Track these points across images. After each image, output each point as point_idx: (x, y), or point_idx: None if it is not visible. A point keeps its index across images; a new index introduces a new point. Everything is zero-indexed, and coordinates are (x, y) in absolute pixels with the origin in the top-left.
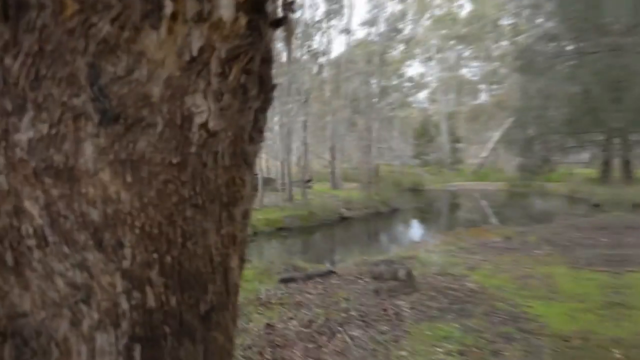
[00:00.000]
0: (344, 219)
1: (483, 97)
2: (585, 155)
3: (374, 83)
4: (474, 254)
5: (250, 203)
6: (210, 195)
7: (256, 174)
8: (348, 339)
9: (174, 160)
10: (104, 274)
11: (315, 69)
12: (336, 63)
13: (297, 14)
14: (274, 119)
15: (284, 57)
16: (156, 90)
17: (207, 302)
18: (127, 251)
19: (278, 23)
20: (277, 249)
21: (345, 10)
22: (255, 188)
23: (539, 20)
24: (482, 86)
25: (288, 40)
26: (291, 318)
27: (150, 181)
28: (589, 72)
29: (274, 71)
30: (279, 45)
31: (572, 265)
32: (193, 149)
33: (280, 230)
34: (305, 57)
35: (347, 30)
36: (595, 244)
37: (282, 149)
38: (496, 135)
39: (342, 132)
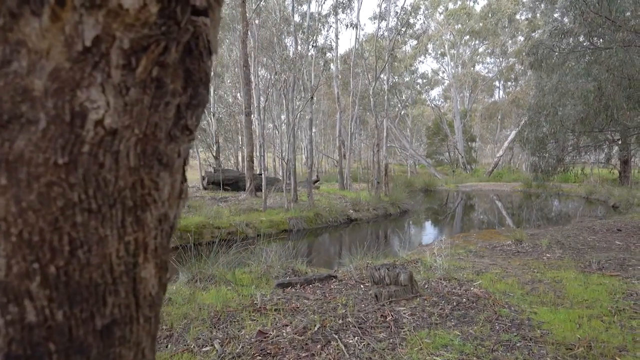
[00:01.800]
0: (351, 221)
1: (499, 95)
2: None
3: (385, 79)
4: (483, 257)
5: (172, 207)
6: (108, 199)
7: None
8: (342, 347)
9: (60, 161)
10: None
11: (321, 65)
12: (344, 58)
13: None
14: (281, 117)
15: (291, 52)
16: (39, 84)
17: (105, 315)
18: (1, 261)
19: (202, 11)
20: (278, 252)
21: (354, 3)
22: (181, 190)
23: (556, 15)
24: (498, 83)
25: (213, 32)
26: (285, 325)
27: (30, 184)
28: (603, 68)
29: (213, 64)
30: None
31: (583, 269)
32: (86, 148)
33: (284, 233)
34: (311, 52)
35: (355, 25)
36: (609, 247)
37: (288, 147)
38: (512, 133)
39: (352, 130)
